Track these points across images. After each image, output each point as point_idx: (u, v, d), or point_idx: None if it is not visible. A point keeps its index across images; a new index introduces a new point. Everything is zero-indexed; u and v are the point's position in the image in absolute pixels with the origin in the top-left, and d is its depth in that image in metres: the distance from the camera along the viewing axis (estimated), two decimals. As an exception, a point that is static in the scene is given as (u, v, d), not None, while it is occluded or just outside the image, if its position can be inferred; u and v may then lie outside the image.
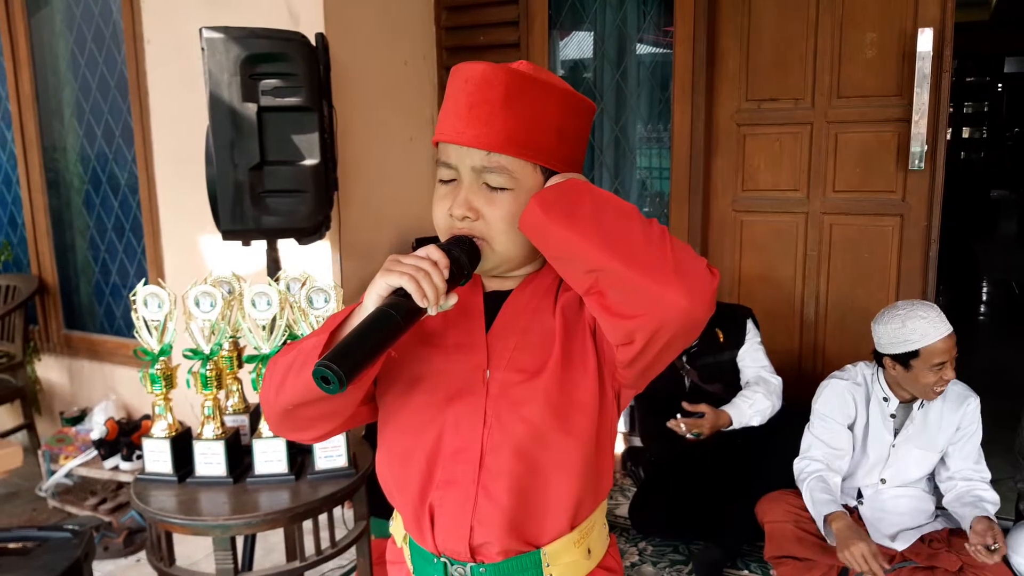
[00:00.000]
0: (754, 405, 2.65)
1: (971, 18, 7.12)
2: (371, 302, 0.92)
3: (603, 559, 1.09)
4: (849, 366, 2.47)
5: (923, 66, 2.68)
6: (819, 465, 2.38)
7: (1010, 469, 2.72)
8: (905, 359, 2.25)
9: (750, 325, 2.81)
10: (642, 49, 3.33)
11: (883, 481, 2.41)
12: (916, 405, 2.35)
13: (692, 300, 0.88)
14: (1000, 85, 11.21)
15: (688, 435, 2.59)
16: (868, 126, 2.90)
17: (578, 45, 3.48)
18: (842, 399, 2.41)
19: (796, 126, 3.01)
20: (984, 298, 6.96)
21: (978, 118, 11.45)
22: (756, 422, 2.65)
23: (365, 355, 0.86)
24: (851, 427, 2.42)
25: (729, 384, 2.76)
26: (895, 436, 2.38)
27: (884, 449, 2.39)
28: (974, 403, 2.36)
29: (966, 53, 9.15)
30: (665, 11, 3.19)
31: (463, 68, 1.00)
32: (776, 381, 2.73)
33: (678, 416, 2.63)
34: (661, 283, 0.88)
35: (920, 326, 2.21)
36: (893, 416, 2.38)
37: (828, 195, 3.00)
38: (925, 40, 2.66)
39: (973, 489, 2.32)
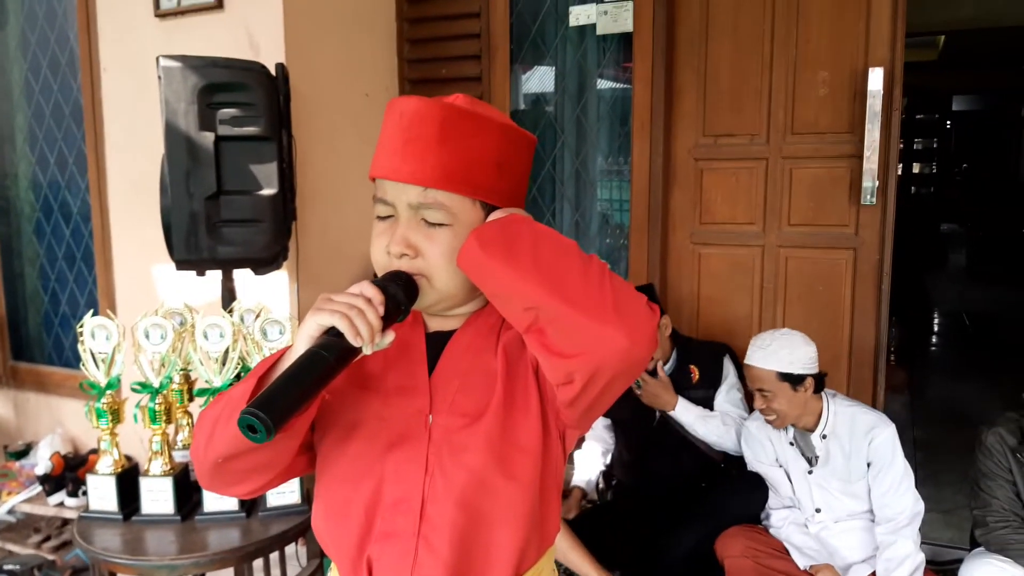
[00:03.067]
0: (707, 420, 2.65)
1: (920, 58, 7.37)
2: (302, 343, 0.88)
3: None
4: None
5: (874, 104, 2.75)
6: (784, 512, 2.44)
7: (963, 499, 2.77)
8: None
9: (727, 363, 2.79)
10: (602, 84, 3.38)
11: (818, 511, 2.42)
12: (817, 437, 2.38)
13: (632, 339, 0.86)
14: (949, 122, 11.59)
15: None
16: (821, 162, 2.96)
17: (540, 79, 3.51)
18: (756, 442, 2.52)
19: (752, 161, 3.07)
20: (936, 329, 7.11)
21: (928, 154, 11.81)
22: (699, 429, 2.64)
23: (294, 400, 0.81)
24: (778, 462, 2.48)
25: None
26: (810, 465, 2.41)
27: (803, 478, 2.42)
28: (882, 435, 2.30)
29: (916, 91, 9.47)
30: (625, 48, 3.24)
31: (397, 103, 0.98)
32: (738, 416, 2.71)
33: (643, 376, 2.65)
34: (600, 321, 0.86)
35: (751, 346, 2.40)
36: (792, 444, 2.43)
37: (783, 228, 3.05)
38: (875, 79, 2.74)
39: (887, 546, 2.26)
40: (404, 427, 0.98)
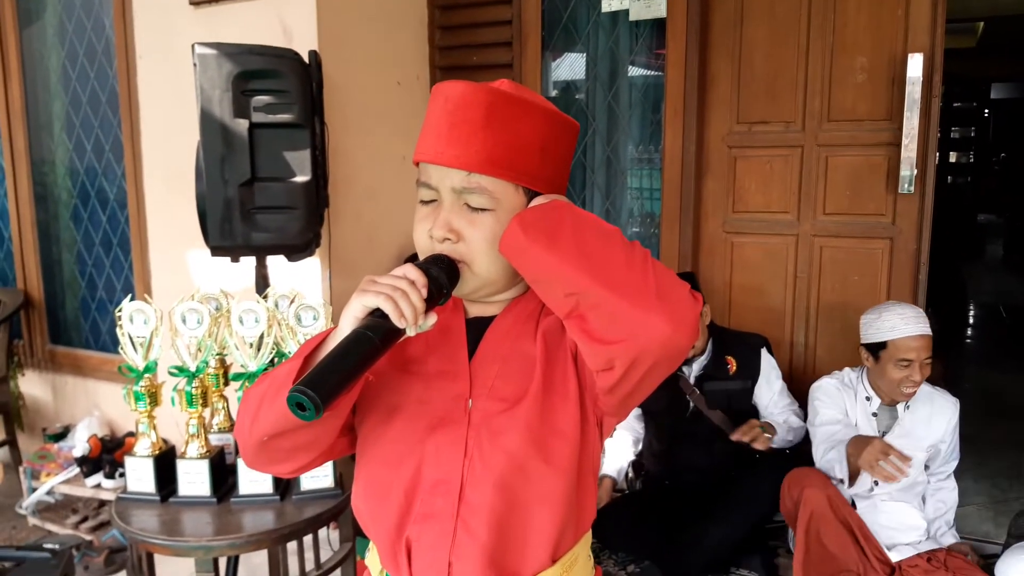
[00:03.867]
0: (788, 423, 2.69)
1: (958, 45, 7.22)
2: (347, 324, 0.89)
3: None
4: (836, 371, 2.57)
5: (913, 91, 2.70)
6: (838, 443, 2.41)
7: (1000, 494, 2.73)
8: (875, 350, 2.36)
9: (765, 355, 2.78)
10: (634, 71, 3.34)
11: (876, 483, 2.39)
12: (901, 407, 2.41)
13: (674, 326, 0.85)
14: (987, 110, 11.34)
15: (757, 444, 2.59)
16: (858, 150, 2.91)
17: (571, 66, 3.49)
18: (835, 393, 2.50)
19: (787, 149, 3.02)
20: (971, 321, 6.99)
21: (965, 143, 11.56)
22: (790, 438, 2.67)
23: (341, 379, 0.82)
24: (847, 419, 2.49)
25: (732, 413, 2.73)
26: (882, 436, 2.41)
27: None
28: (957, 414, 2.44)
29: (954, 78, 9.26)
30: (657, 34, 3.21)
31: (443, 87, 0.98)
32: (802, 424, 2.73)
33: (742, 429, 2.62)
34: (643, 308, 0.85)
35: (892, 319, 2.33)
36: (875, 415, 2.44)
37: (818, 217, 3.01)
38: (915, 65, 2.68)
39: (940, 490, 2.48)
40: (444, 411, 0.99)
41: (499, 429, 0.96)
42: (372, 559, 1.09)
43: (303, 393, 0.78)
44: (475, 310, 1.05)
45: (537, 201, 0.96)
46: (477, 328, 1.03)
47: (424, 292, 0.89)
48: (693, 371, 2.75)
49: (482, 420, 0.97)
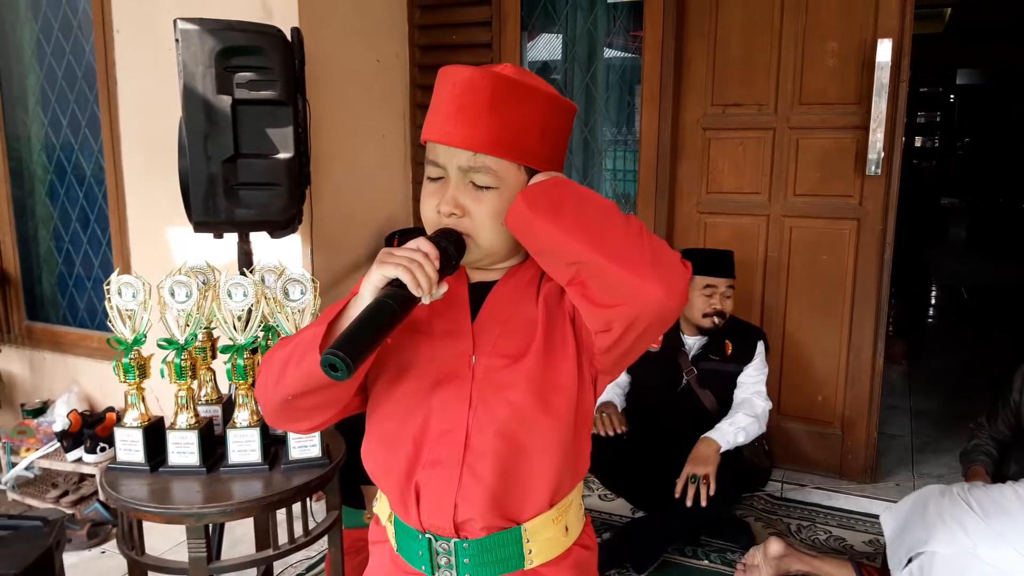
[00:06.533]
0: (735, 423, 2.74)
1: (926, 30, 7.35)
2: (368, 293, 0.96)
3: (579, 537, 1.15)
4: None
5: (881, 75, 2.78)
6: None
7: (957, 466, 2.84)
8: None
9: (760, 347, 2.88)
10: (611, 53, 3.39)
11: None
12: None
13: (668, 291, 0.93)
14: (952, 96, 11.54)
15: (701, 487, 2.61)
16: (828, 132, 3.00)
17: (549, 47, 3.53)
18: None
19: (759, 131, 3.10)
20: (934, 302, 7.17)
21: (930, 128, 11.77)
22: (741, 439, 2.73)
23: (369, 343, 0.91)
24: None
25: (720, 395, 2.85)
26: None
27: None
28: None
29: (920, 63, 9.41)
30: (634, 16, 3.26)
31: (450, 72, 1.04)
32: (763, 405, 2.82)
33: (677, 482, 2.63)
34: (639, 275, 0.93)
35: None
36: None
37: (789, 198, 3.09)
38: (884, 50, 2.76)
39: None
40: (449, 367, 1.07)
41: (503, 383, 1.04)
42: (381, 506, 1.18)
43: (335, 355, 0.87)
44: (477, 276, 1.13)
45: (538, 178, 1.03)
46: (479, 292, 1.11)
47: (437, 264, 0.97)
48: (693, 348, 2.86)
49: (485, 375, 1.05)
